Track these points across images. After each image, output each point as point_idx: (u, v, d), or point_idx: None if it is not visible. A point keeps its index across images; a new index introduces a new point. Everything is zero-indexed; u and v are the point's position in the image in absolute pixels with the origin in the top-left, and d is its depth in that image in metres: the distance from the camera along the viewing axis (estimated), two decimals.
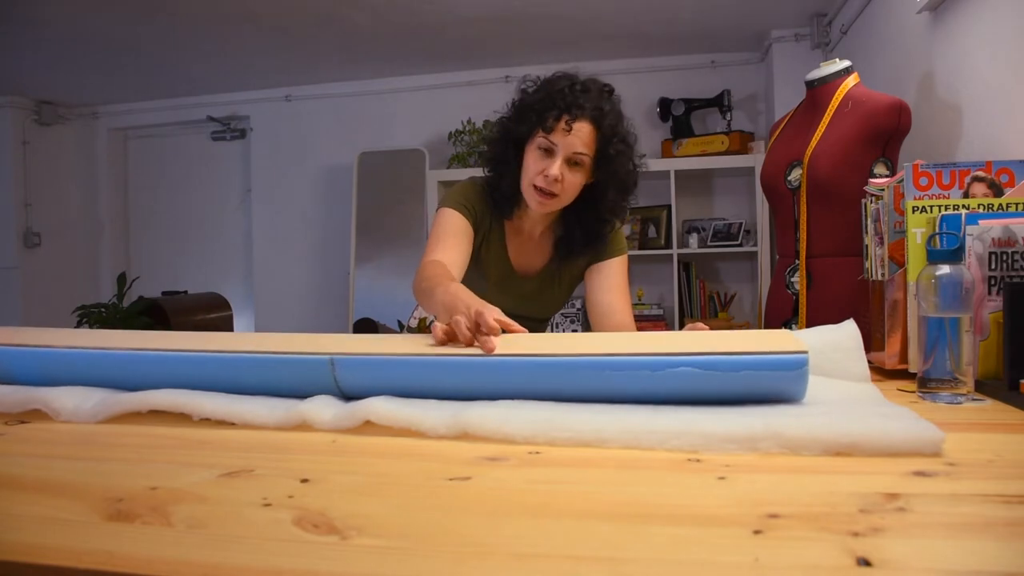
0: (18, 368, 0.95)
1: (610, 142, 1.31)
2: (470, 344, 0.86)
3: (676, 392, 0.76)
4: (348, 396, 0.84)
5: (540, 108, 1.30)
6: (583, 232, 1.41)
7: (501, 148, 1.38)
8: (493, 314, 0.90)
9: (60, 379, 0.91)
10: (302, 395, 0.84)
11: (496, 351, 0.82)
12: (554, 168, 1.28)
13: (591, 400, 0.78)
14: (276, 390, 0.86)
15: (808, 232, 1.77)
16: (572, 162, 1.30)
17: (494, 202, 1.41)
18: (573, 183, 1.32)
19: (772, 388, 0.76)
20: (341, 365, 0.83)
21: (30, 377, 0.94)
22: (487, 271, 1.45)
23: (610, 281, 1.45)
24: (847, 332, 0.99)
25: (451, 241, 1.35)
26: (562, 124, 1.28)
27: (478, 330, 0.86)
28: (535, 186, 1.31)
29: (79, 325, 3.70)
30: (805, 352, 0.75)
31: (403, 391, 0.82)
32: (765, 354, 0.75)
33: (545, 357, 0.79)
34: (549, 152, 1.30)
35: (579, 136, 1.29)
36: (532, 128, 1.31)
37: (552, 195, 1.31)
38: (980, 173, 1.12)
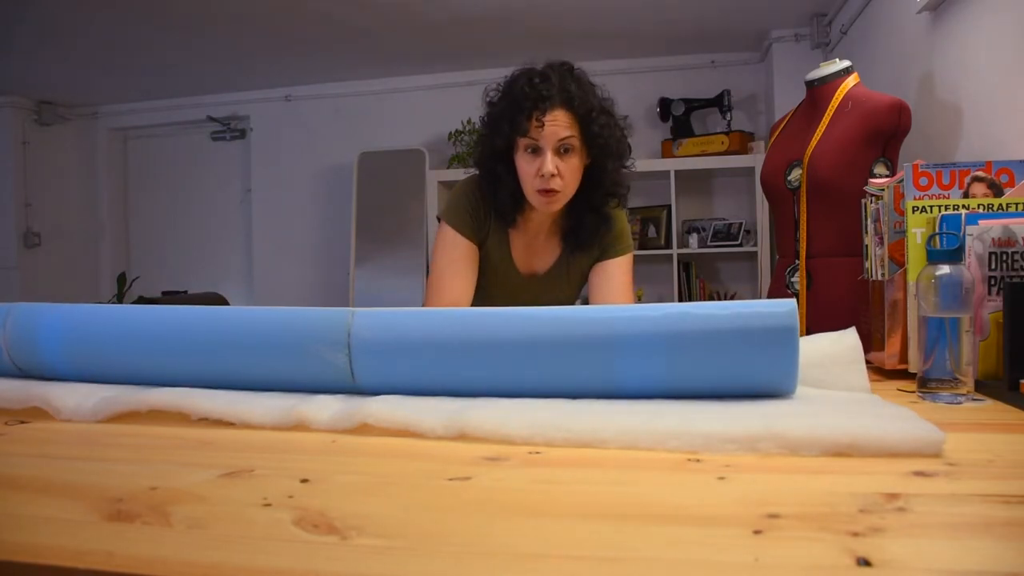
0: (44, 329, 0.96)
1: (590, 118, 1.29)
2: None
3: (673, 342, 0.76)
4: (359, 357, 0.83)
5: (509, 115, 1.30)
6: (592, 216, 1.39)
7: (490, 164, 1.36)
8: None
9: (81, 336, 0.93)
10: (313, 354, 0.84)
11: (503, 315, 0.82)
12: (547, 164, 1.27)
13: (596, 357, 0.78)
14: (288, 346, 0.86)
15: (808, 232, 1.77)
16: (562, 149, 1.29)
17: (496, 213, 1.40)
18: (571, 171, 1.30)
19: (764, 331, 0.76)
20: (360, 317, 0.83)
21: (54, 333, 0.95)
22: (491, 274, 1.44)
23: (614, 281, 1.43)
24: (848, 344, 0.92)
25: (455, 278, 1.36)
26: (534, 122, 1.27)
27: None
28: (537, 189, 1.31)
29: None
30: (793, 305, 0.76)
31: (419, 343, 0.82)
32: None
33: (553, 311, 0.80)
34: (536, 151, 1.29)
35: (557, 124, 1.27)
36: (509, 137, 1.31)
37: (555, 191, 1.30)
38: (980, 173, 1.12)
